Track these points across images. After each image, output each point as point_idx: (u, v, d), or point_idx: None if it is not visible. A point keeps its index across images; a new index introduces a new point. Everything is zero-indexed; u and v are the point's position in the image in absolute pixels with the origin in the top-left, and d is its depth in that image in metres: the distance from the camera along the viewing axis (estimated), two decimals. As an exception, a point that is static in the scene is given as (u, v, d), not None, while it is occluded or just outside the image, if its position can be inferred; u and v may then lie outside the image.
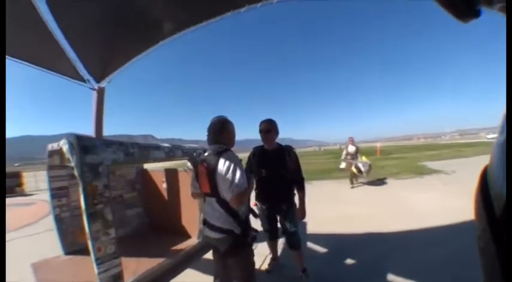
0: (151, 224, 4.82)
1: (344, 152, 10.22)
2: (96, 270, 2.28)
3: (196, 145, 4.01)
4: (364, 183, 9.93)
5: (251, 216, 2.21)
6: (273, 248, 3.46)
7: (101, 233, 2.28)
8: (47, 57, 3.36)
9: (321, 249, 4.23)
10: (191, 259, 3.27)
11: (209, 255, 3.35)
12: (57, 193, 4.05)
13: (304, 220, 5.03)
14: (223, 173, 1.77)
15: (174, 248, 3.49)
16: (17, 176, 16.21)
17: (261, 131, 2.86)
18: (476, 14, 0.53)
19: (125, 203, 4.63)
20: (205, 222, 2.01)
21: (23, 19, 2.43)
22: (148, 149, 2.89)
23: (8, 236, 5.34)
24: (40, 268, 3.21)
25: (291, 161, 2.85)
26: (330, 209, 6.58)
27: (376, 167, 7.82)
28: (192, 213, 3.77)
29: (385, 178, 10.68)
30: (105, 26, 2.77)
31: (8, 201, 10.01)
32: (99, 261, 2.29)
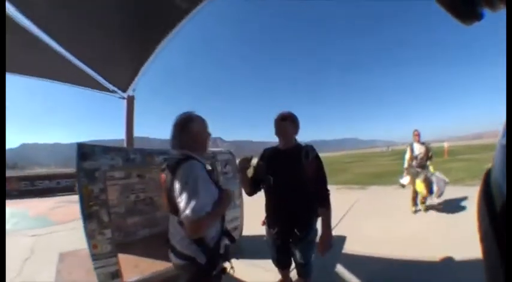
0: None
1: (407, 156, 6.20)
2: (93, 266, 2.60)
3: (219, 149, 4.16)
4: (434, 206, 6.16)
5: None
6: (284, 277, 2.53)
7: (97, 232, 2.60)
8: (77, 76, 3.74)
9: (353, 278, 3.24)
10: None
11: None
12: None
13: (343, 234, 4.63)
14: (177, 191, 1.41)
15: None
16: (74, 176, 18.90)
17: (275, 122, 2.17)
18: (479, 16, 0.54)
19: (155, 204, 5.03)
20: (167, 243, 1.71)
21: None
22: (151, 155, 3.15)
23: (52, 229, 6.30)
24: (65, 257, 3.80)
25: (309, 165, 2.02)
26: (381, 227, 5.07)
27: (442, 171, 6.17)
28: None
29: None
30: (109, 32, 2.87)
31: (65, 198, 11.65)
32: (95, 258, 2.60)
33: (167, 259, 3.03)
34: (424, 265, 3.34)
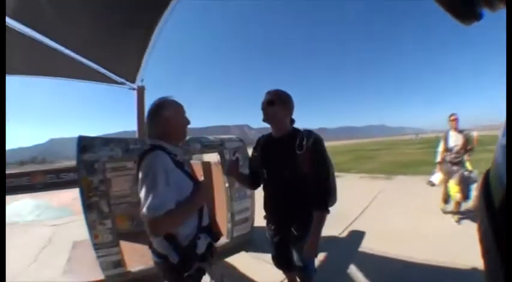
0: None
1: (440, 148, 4.94)
2: (95, 254, 2.69)
3: (229, 136, 4.05)
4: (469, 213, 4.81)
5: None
6: (290, 280, 2.27)
7: (97, 222, 2.66)
8: (91, 73, 3.96)
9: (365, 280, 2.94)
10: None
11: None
12: None
13: (362, 229, 4.39)
14: (139, 185, 1.31)
15: None
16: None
17: (261, 107, 1.88)
18: (478, 16, 0.54)
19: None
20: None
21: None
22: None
23: (72, 219, 6.51)
24: (78, 246, 3.95)
25: (303, 156, 1.70)
26: (404, 223, 4.58)
27: (471, 162, 4.77)
28: (222, 210, 3.91)
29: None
30: (107, 29, 2.93)
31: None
32: (97, 247, 2.68)
33: None
34: (446, 272, 2.92)
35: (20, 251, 4.50)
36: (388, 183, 8.39)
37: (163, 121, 1.45)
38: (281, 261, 2.09)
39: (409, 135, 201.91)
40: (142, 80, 4.55)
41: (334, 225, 4.32)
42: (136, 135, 4.74)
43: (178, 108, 1.54)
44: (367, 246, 3.73)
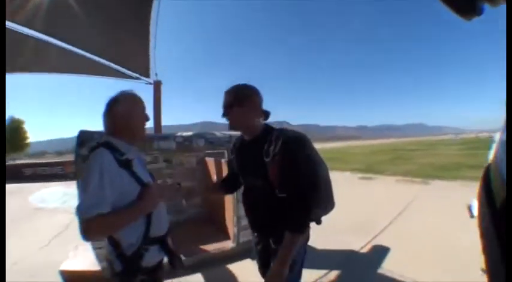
0: (206, 215, 5.05)
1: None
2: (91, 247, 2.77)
3: (238, 132, 3.85)
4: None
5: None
6: None
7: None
8: (110, 71, 4.33)
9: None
10: (207, 266, 3.26)
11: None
12: None
13: (388, 245, 3.77)
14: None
15: (204, 247, 3.66)
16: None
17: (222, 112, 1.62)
18: (479, 11, 0.55)
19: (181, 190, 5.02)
20: None
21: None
22: (152, 140, 2.97)
23: None
24: None
25: (271, 163, 1.43)
26: (438, 237, 4.02)
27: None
28: (229, 213, 3.79)
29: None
30: (114, 30, 3.29)
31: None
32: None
33: (186, 250, 3.18)
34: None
35: (37, 235, 4.87)
36: (424, 189, 7.67)
37: (116, 116, 1.33)
38: (265, 271, 1.70)
39: (448, 135, 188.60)
40: (156, 75, 4.59)
41: (355, 237, 3.94)
42: (153, 130, 4.77)
43: (134, 103, 1.40)
44: (389, 267, 3.19)
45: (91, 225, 1.11)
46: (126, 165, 1.27)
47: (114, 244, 1.26)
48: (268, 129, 1.56)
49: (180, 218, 4.83)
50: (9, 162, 23.59)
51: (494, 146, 0.54)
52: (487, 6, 0.55)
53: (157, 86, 4.59)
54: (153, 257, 1.34)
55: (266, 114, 1.58)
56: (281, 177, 1.40)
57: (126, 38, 3.35)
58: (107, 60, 3.81)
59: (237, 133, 1.92)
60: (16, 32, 2.87)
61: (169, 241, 1.48)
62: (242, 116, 1.51)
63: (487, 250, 0.55)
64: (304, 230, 1.42)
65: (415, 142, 61.93)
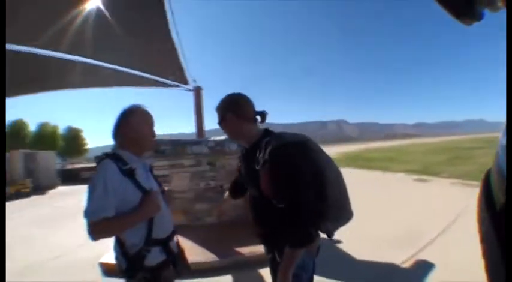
0: (248, 218, 5.13)
1: None
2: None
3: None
4: None
5: None
6: None
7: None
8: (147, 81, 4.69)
9: None
10: (240, 268, 3.34)
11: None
12: (160, 179, 5.16)
13: (434, 260, 3.44)
14: None
15: (239, 249, 3.76)
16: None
17: None
18: (478, 16, 0.55)
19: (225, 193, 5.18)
20: None
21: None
22: (184, 145, 3.13)
23: None
24: None
25: (261, 173, 1.38)
26: None
27: None
28: None
29: None
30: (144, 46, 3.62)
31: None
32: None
33: (220, 251, 3.26)
34: None
35: (79, 233, 5.22)
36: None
37: (124, 131, 1.47)
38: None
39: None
40: (195, 81, 4.77)
41: (397, 249, 3.64)
42: (195, 136, 4.97)
43: (143, 118, 1.53)
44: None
45: (96, 227, 1.28)
46: (129, 174, 1.39)
47: (120, 243, 1.40)
48: (265, 134, 1.50)
49: (222, 219, 4.95)
50: (69, 166, 25.48)
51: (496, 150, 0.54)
52: (487, 11, 0.55)
53: (197, 92, 4.75)
54: (155, 257, 1.43)
55: (262, 116, 1.54)
56: (272, 187, 1.34)
57: (155, 49, 3.59)
58: (146, 73, 4.16)
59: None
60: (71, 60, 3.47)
61: (173, 243, 1.58)
62: (234, 125, 1.51)
63: (487, 254, 0.56)
64: (303, 244, 1.33)
65: (474, 139, 56.09)
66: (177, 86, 4.91)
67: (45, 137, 37.29)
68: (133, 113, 1.49)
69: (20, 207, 10.17)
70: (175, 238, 1.61)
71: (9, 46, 3.25)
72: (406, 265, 3.39)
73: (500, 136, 0.53)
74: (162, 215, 1.49)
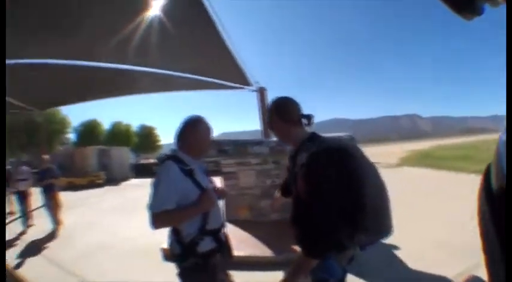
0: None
1: None
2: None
3: (338, 134, 3.85)
4: None
5: None
6: None
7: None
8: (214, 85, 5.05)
9: None
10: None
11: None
12: (227, 176, 5.60)
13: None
14: None
15: (295, 246, 3.86)
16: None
17: None
18: (479, 11, 0.56)
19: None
20: None
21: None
22: (245, 145, 3.44)
23: None
24: None
25: (300, 173, 1.37)
26: None
27: None
28: None
29: None
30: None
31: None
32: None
33: (277, 247, 3.33)
34: None
35: (144, 220, 6.02)
36: None
37: (187, 137, 1.71)
38: None
39: None
40: (257, 83, 4.96)
41: (451, 261, 3.32)
42: (260, 135, 5.13)
43: (206, 128, 1.76)
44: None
45: (158, 217, 1.50)
46: (189, 173, 1.60)
47: (176, 232, 1.61)
48: (310, 138, 1.49)
49: (282, 216, 5.11)
50: (142, 161, 27.04)
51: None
52: (487, 6, 0.55)
53: (261, 92, 4.89)
54: (206, 245, 1.62)
55: (308, 119, 1.54)
56: (303, 191, 1.34)
57: (215, 56, 3.72)
58: (211, 78, 4.48)
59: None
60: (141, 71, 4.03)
61: (222, 234, 1.77)
62: (281, 129, 1.56)
63: (487, 250, 0.56)
64: (316, 255, 1.30)
65: None
66: (241, 87, 5.04)
67: (119, 135, 40.87)
68: (195, 123, 1.73)
69: (93, 195, 12.03)
70: (223, 229, 1.80)
71: (83, 62, 3.96)
72: (458, 279, 3.05)
73: (501, 133, 0.54)
74: (216, 209, 1.71)
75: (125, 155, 22.00)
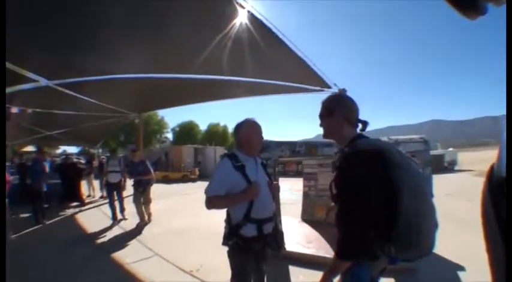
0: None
1: None
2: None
3: (408, 136, 3.57)
4: None
5: None
6: None
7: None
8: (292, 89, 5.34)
9: None
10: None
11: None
12: (308, 176, 5.78)
13: None
14: None
15: None
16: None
17: None
18: (482, 11, 0.57)
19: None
20: None
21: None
22: (316, 147, 3.58)
23: (293, 200, 7.33)
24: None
25: (335, 173, 1.39)
26: None
27: None
28: None
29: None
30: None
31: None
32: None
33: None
34: None
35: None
36: None
37: (239, 137, 2.01)
38: None
39: None
40: (335, 85, 4.99)
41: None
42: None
43: (252, 128, 2.02)
44: None
45: (210, 200, 1.88)
46: (240, 168, 1.91)
47: (228, 215, 1.98)
48: (354, 138, 1.45)
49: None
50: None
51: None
52: (490, 6, 0.55)
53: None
54: (248, 231, 1.89)
55: (363, 124, 1.53)
56: (338, 195, 1.34)
57: (289, 58, 3.81)
58: (290, 82, 4.79)
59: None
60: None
61: (268, 226, 1.96)
62: (331, 126, 1.53)
63: (491, 250, 0.56)
64: (345, 256, 1.30)
65: None
66: (321, 90, 5.19)
67: (215, 135, 43.64)
68: (244, 125, 2.02)
69: (186, 187, 13.50)
70: (271, 222, 1.99)
71: (177, 75, 4.70)
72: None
73: (502, 133, 0.56)
74: (262, 201, 1.91)
75: (218, 153, 23.44)
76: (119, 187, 6.40)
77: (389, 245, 1.21)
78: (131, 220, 6.15)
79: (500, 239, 0.49)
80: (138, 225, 5.71)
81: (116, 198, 6.38)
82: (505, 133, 0.53)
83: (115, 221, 6.23)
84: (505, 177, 0.51)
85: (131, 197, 5.99)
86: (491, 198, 0.54)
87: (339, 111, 1.50)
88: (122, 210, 6.47)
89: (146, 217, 6.00)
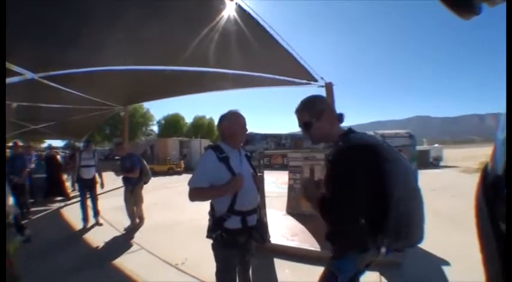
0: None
1: None
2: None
3: (395, 131, 3.61)
4: None
5: None
6: None
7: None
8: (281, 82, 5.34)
9: None
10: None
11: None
12: (293, 169, 5.83)
13: None
14: None
15: None
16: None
17: None
18: (477, 11, 0.57)
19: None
20: None
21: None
22: (302, 140, 3.62)
23: (279, 193, 7.40)
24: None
25: (326, 168, 1.42)
26: None
27: None
28: None
29: None
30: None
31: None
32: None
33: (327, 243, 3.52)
34: None
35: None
36: None
37: (222, 129, 2.01)
38: None
39: None
40: (322, 78, 5.02)
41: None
42: None
43: (236, 120, 2.01)
44: None
45: (193, 192, 1.88)
46: (224, 160, 1.88)
47: (212, 208, 1.97)
48: (341, 135, 1.47)
49: None
50: None
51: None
52: (485, 6, 0.55)
53: (327, 88, 4.94)
54: (232, 223, 1.89)
55: (340, 118, 1.56)
56: (327, 193, 1.38)
57: (279, 56, 3.91)
58: (277, 75, 4.81)
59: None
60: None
61: (252, 217, 1.96)
62: (322, 129, 1.51)
63: (485, 248, 0.56)
64: (331, 241, 1.42)
65: None
66: (308, 83, 5.20)
67: (201, 128, 43.39)
68: (228, 116, 2.01)
69: (171, 180, 13.40)
70: (255, 214, 1.99)
71: (168, 67, 4.65)
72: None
73: (499, 131, 0.55)
74: (246, 193, 1.91)
75: (204, 146, 23.91)
76: (92, 184, 5.57)
77: (382, 236, 1.29)
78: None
79: (494, 239, 0.49)
80: (125, 229, 5.02)
81: (88, 196, 5.54)
82: (505, 133, 0.51)
83: (86, 223, 5.34)
84: (500, 176, 0.50)
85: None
86: (486, 199, 0.54)
87: (326, 110, 1.51)
88: (96, 213, 5.53)
89: (137, 220, 5.27)
